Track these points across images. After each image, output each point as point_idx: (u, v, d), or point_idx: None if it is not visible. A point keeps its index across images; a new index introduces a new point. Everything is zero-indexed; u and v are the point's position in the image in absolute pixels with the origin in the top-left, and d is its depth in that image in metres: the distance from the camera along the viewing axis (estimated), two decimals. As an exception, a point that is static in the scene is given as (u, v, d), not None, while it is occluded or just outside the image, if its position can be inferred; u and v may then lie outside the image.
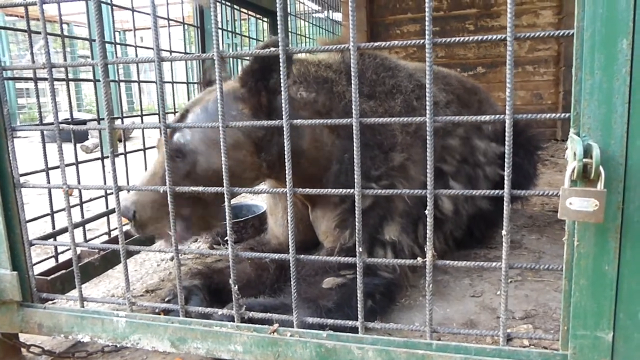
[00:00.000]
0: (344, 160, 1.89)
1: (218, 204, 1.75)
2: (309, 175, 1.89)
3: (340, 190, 1.25)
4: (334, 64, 2.06)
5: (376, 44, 1.11)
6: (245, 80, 1.72)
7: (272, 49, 1.23)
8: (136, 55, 2.73)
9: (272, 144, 1.77)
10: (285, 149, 1.23)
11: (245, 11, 4.07)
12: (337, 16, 8.89)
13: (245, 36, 4.84)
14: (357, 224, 1.23)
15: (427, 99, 1.09)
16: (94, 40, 2.01)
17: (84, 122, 5.15)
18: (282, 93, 1.19)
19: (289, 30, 5.86)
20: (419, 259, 1.21)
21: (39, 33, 1.43)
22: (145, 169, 2.62)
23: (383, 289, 1.83)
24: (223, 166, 1.28)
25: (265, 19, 4.39)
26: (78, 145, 2.21)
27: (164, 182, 1.59)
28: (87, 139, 8.98)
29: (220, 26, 3.80)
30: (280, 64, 1.15)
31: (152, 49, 1.29)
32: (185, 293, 1.76)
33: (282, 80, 1.17)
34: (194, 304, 1.67)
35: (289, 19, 5.99)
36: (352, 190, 1.21)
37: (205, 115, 1.70)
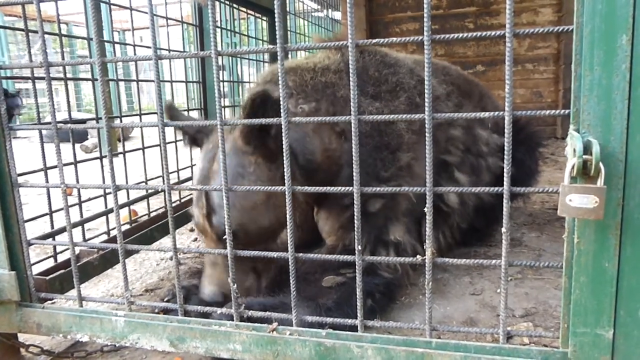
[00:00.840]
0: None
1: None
2: (323, 184, 1.87)
3: (340, 188, 1.25)
4: (332, 65, 2.01)
5: (375, 40, 1.11)
6: (248, 139, 1.67)
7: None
8: (134, 55, 2.73)
9: (295, 180, 1.76)
10: (284, 145, 1.22)
11: (245, 10, 4.06)
12: (337, 15, 8.89)
13: (244, 35, 4.83)
14: (356, 222, 1.22)
15: (427, 96, 1.09)
16: (92, 39, 2.01)
17: (82, 122, 5.15)
18: (281, 91, 1.18)
19: (289, 29, 5.87)
20: (418, 257, 1.21)
21: (37, 32, 1.43)
22: (145, 169, 2.61)
23: (383, 288, 1.83)
24: (220, 164, 1.27)
25: (264, 18, 4.39)
26: (78, 145, 2.21)
27: (226, 268, 1.60)
28: (87, 139, 8.98)
29: (219, 25, 3.80)
30: (279, 61, 1.15)
31: (150, 47, 1.28)
32: (184, 292, 1.75)
33: (280, 76, 1.17)
34: (192, 304, 1.66)
35: (288, 17, 6.00)
36: (351, 188, 1.21)
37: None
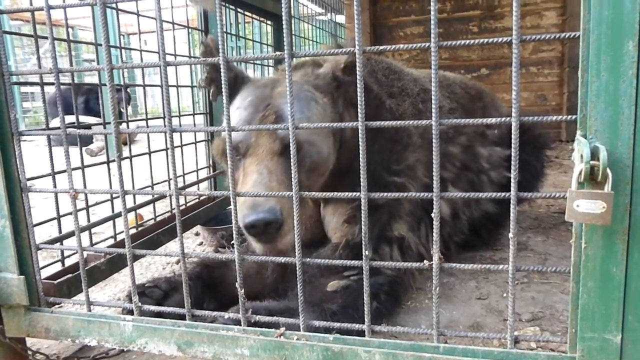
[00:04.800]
0: (373, 150, 1.91)
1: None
2: (344, 170, 1.91)
3: (347, 193, 1.25)
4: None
5: (382, 47, 1.11)
6: (349, 71, 1.78)
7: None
8: (141, 59, 2.74)
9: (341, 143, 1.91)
10: (291, 140, 1.23)
11: (249, 14, 4.07)
12: (340, 19, 8.90)
13: (249, 39, 4.85)
14: (363, 227, 1.23)
15: (433, 101, 1.09)
16: (100, 45, 2.02)
17: (89, 126, 5.17)
18: (288, 99, 1.19)
19: (293, 33, 5.87)
20: (425, 262, 1.21)
21: (46, 38, 1.44)
22: (151, 173, 2.62)
23: (388, 288, 1.83)
24: (229, 170, 1.28)
25: (269, 22, 4.40)
26: (83, 149, 2.22)
27: (285, 180, 1.60)
28: (92, 142, 9.00)
29: (224, 29, 3.81)
30: (287, 67, 1.16)
31: (157, 52, 1.29)
32: (167, 287, 1.81)
33: (287, 81, 1.18)
34: (174, 302, 1.76)
35: (292, 21, 6.01)
36: (358, 193, 1.21)
37: (304, 103, 1.73)
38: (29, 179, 1.58)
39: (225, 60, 1.22)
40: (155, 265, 2.67)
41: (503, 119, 1.11)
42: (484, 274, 2.28)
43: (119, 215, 2.31)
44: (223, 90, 1.24)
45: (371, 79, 2.06)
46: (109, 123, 1.50)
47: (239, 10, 3.81)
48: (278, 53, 1.20)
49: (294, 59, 2.11)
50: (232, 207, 1.31)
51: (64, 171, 1.53)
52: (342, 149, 1.90)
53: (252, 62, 4.36)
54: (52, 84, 1.45)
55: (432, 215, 1.16)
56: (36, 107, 14.66)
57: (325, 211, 2.08)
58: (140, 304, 1.46)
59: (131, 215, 2.70)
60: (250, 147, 1.68)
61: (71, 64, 2.00)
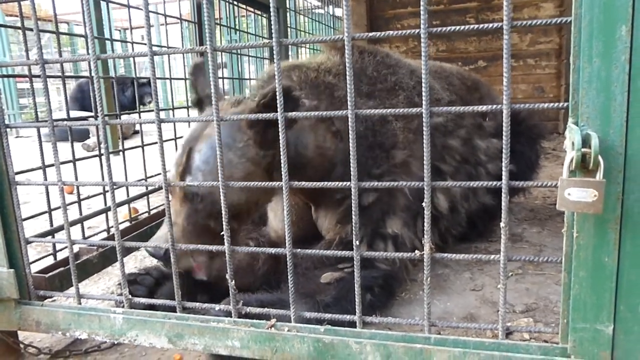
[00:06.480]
0: (348, 162, 1.87)
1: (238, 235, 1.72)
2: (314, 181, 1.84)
3: (337, 183, 1.24)
4: (332, 68, 2.03)
5: (371, 34, 1.09)
6: (252, 121, 1.64)
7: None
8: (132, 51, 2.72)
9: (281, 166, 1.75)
10: (280, 141, 1.21)
11: (245, 7, 4.05)
12: (338, 12, 8.86)
13: (244, 32, 4.82)
14: (354, 217, 1.21)
15: (423, 90, 1.08)
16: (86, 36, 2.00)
17: (79, 119, 5.15)
18: (277, 83, 1.17)
19: (289, 25, 5.84)
20: (417, 252, 1.20)
21: (31, 30, 1.42)
22: (144, 166, 2.61)
23: (382, 281, 1.83)
24: (218, 163, 1.27)
25: (264, 15, 4.38)
26: (80, 143, 2.20)
27: (188, 224, 1.61)
28: (89, 137, 8.98)
29: (219, 23, 3.79)
30: (275, 55, 1.14)
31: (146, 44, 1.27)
32: (158, 274, 1.81)
33: (277, 70, 1.16)
34: (166, 290, 1.74)
35: (289, 14, 5.97)
36: (348, 183, 1.20)
37: (212, 153, 1.59)
38: (18, 173, 1.56)
39: (212, 48, 1.20)
40: (149, 259, 2.65)
41: (495, 106, 1.09)
42: (478, 265, 2.27)
43: (110, 208, 2.30)
44: (212, 82, 1.23)
45: (359, 78, 2.00)
46: (107, 115, 1.47)
47: (234, 3, 3.78)
48: (265, 41, 1.19)
49: (280, 65, 2.09)
50: (221, 197, 1.30)
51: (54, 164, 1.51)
52: (308, 167, 1.82)
53: (246, 54, 4.33)
54: (39, 76, 1.43)
55: (423, 204, 1.14)
56: (37, 102, 14.56)
57: (318, 214, 2.08)
58: (130, 296, 1.45)
59: (125, 209, 2.69)
60: (171, 191, 1.68)
61: (60, 56, 1.98)
